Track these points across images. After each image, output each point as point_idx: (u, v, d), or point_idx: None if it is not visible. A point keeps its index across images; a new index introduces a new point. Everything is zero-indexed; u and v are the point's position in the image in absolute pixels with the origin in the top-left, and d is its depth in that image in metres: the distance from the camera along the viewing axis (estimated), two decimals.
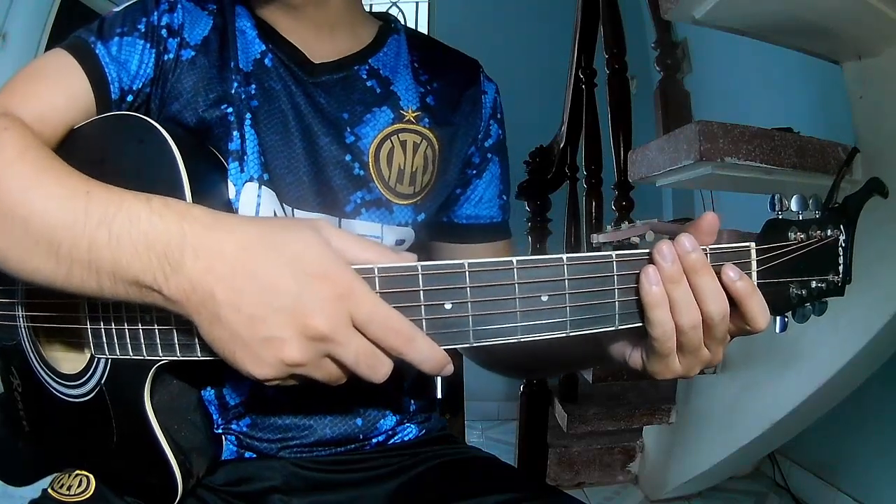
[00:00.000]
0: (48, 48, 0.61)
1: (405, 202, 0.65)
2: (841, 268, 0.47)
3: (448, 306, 0.41)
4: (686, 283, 0.42)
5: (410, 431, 0.70)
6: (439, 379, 0.86)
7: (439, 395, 0.87)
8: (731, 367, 1.63)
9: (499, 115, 0.73)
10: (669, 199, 2.74)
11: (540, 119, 2.26)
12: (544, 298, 0.42)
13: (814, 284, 0.46)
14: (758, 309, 0.43)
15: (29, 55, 1.98)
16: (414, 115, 0.66)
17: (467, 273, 0.41)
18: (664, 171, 1.32)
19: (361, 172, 0.63)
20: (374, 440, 0.67)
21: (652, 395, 1.95)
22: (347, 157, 0.63)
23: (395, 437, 0.68)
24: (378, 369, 0.40)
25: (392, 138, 0.64)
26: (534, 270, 0.42)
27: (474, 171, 0.71)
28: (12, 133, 0.48)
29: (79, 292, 0.44)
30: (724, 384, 1.65)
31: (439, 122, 0.67)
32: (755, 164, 1.19)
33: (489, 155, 0.72)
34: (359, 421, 0.65)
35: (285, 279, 0.38)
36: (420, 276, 0.41)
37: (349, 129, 0.63)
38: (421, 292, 0.41)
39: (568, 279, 0.42)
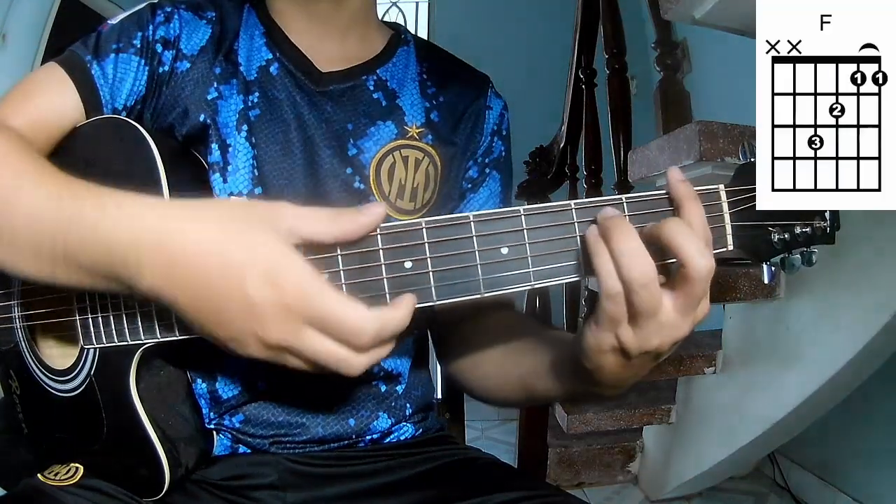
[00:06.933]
0: (48, 48, 0.62)
1: (405, 218, 0.64)
2: (828, 213, 0.44)
3: (408, 265, 0.42)
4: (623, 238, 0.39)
5: (407, 431, 0.69)
6: (439, 379, 0.86)
7: (438, 396, 0.86)
8: (731, 367, 1.63)
9: (504, 132, 0.72)
10: None
11: (540, 119, 2.26)
12: (504, 251, 0.42)
13: (798, 230, 0.44)
14: (697, 214, 0.41)
15: (29, 55, 1.98)
16: (417, 131, 0.66)
17: (424, 230, 0.41)
18: (664, 171, 1.32)
19: (361, 186, 0.63)
20: (367, 438, 0.66)
21: (652, 395, 1.95)
22: (348, 171, 0.62)
23: (391, 436, 0.68)
24: (347, 367, 0.40)
25: (394, 153, 0.64)
26: (491, 223, 0.42)
27: (470, 185, 0.70)
28: None
29: (69, 288, 0.45)
30: (724, 384, 1.65)
31: (442, 139, 0.67)
32: None
33: (488, 170, 0.71)
34: (351, 421, 0.65)
35: (237, 289, 0.39)
36: (379, 236, 0.41)
37: (352, 141, 0.63)
38: (380, 252, 0.41)
39: (527, 229, 0.42)
